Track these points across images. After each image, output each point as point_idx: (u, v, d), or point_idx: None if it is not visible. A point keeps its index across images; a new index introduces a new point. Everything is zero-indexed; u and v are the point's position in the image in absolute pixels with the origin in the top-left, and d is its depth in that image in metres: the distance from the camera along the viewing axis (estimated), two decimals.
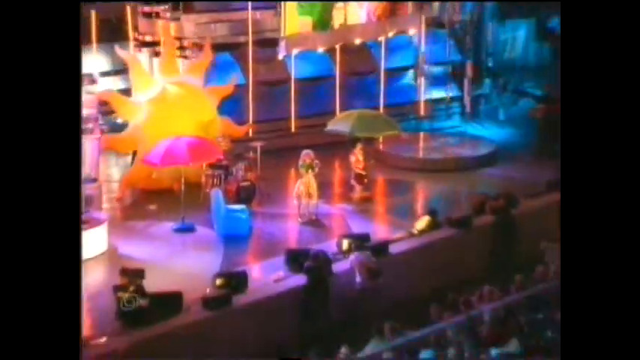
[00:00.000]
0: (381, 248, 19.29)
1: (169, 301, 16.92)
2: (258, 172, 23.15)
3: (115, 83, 25.07)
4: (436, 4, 28.58)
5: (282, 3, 25.47)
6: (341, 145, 23.58)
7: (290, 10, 25.64)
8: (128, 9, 25.59)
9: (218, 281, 17.61)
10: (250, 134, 24.51)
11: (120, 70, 24.98)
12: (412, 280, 18.79)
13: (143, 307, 16.66)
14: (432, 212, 20.84)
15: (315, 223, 21.50)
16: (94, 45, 24.34)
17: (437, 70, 29.03)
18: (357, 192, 22.95)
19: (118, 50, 23.86)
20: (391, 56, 27.86)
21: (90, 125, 21.72)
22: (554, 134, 25.91)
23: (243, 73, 25.63)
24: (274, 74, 26.25)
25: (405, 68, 28.42)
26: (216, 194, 21.08)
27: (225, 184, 21.92)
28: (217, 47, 24.81)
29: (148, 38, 25.15)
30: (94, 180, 21.65)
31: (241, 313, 17.30)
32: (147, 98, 22.73)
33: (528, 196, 22.01)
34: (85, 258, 19.36)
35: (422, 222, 20.61)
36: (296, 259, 18.53)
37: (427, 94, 28.55)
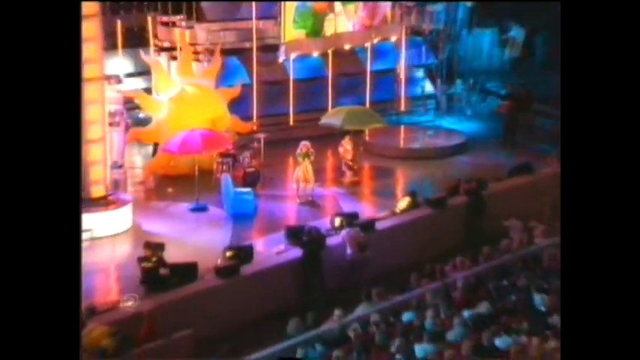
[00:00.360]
0: (368, 225, 19.27)
1: (186, 271, 16.93)
2: (261, 160, 23.19)
3: (138, 83, 25.00)
4: (413, 16, 28.50)
5: (283, 14, 25.39)
6: (333, 136, 23.53)
7: (289, 20, 25.68)
8: (149, 19, 25.51)
9: (228, 253, 17.61)
10: (255, 128, 24.43)
11: (142, 71, 24.96)
12: (395, 252, 18.75)
13: (164, 276, 16.67)
14: (411, 194, 20.81)
15: (311, 203, 21.47)
16: (120, 50, 24.22)
17: (415, 72, 28.94)
18: (347, 177, 22.96)
19: (143, 55, 23.87)
20: (376, 60, 27.77)
21: (117, 119, 21.76)
22: (516, 127, 26.11)
23: (248, 74, 25.54)
24: (275, 75, 26.17)
25: (388, 70, 28.30)
26: (226, 179, 21.08)
27: (233, 170, 21.92)
28: (226, 52, 24.78)
29: (166, 44, 25.11)
30: (121, 166, 21.67)
31: (248, 281, 17.30)
32: (167, 97, 22.82)
33: (494, 180, 21.99)
34: (113, 233, 19.48)
35: (403, 202, 20.60)
36: (295, 234, 18.49)
37: (406, 92, 28.47)
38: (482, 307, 14.97)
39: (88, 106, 19.16)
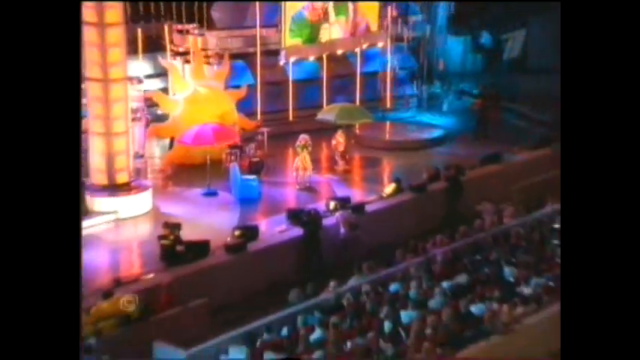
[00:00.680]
0: (358, 208, 19.23)
1: (199, 247, 16.86)
2: (265, 151, 23.09)
3: (156, 84, 24.86)
4: (398, 25, 28.40)
5: (283, 23, 25.26)
6: (328, 130, 23.39)
7: (288, 27, 25.52)
8: (165, 27, 25.35)
9: (236, 232, 17.56)
10: (259, 123, 24.33)
11: (160, 73, 24.84)
12: (383, 231, 18.71)
13: (180, 252, 16.62)
14: (396, 180, 20.77)
15: (309, 189, 21.36)
16: (140, 55, 24.11)
17: (399, 74, 28.83)
18: (340, 166, 22.88)
19: (161, 59, 23.80)
20: (365, 64, 27.67)
21: (138, 115, 21.67)
22: (486, 122, 26.07)
23: (253, 76, 25.43)
24: (276, 77, 26.03)
25: (375, 73, 28.20)
26: (234, 167, 20.99)
27: (240, 159, 21.75)
28: (233, 56, 24.61)
29: (181, 49, 24.96)
30: (142, 156, 21.61)
31: (254, 257, 17.27)
32: (183, 97, 22.69)
33: (468, 168, 21.96)
34: (136, 215, 19.41)
35: (389, 188, 20.55)
36: (294, 216, 18.45)
37: (392, 91, 28.38)
38: (459, 279, 14.99)
39: (114, 104, 19.10)
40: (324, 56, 26.57)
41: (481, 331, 13.16)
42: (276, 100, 25.82)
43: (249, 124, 23.89)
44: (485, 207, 19.15)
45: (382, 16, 27.58)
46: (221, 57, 24.18)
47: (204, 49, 24.43)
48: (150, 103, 23.12)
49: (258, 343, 13.19)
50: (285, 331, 13.62)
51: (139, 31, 24.25)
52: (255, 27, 25.31)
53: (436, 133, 25.96)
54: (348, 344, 12.88)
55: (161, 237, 17.00)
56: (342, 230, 18.24)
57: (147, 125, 22.35)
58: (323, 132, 23.50)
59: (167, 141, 23.55)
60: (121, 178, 19.42)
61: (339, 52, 26.98)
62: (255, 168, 21.78)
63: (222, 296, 15.78)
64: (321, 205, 19.37)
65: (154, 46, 25.30)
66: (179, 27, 25.33)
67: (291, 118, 26.12)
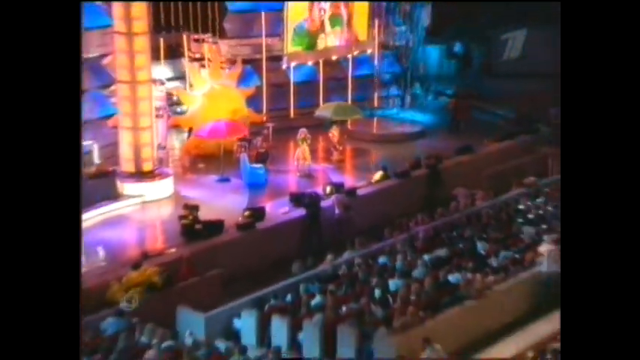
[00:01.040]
0: (351, 192, 19.19)
1: (215, 226, 16.87)
2: (270, 143, 22.96)
3: (176, 85, 24.71)
4: (385, 35, 28.27)
5: (285, 33, 25.11)
6: (324, 125, 23.36)
7: (290, 37, 25.39)
8: (184, 37, 25.25)
9: (246, 213, 17.53)
10: (265, 119, 24.27)
11: (178, 77, 24.77)
12: (372, 212, 18.67)
13: (198, 230, 16.60)
14: (383, 168, 20.71)
15: (308, 176, 21.24)
16: (162, 60, 24.05)
17: (385, 77, 28.72)
18: (335, 156, 22.78)
19: (185, 62, 23.82)
20: (356, 68, 27.57)
21: (161, 112, 21.58)
22: (460, 118, 26.01)
23: (260, 78, 25.32)
24: (280, 79, 25.90)
25: (365, 76, 28.07)
26: (244, 157, 20.90)
27: (249, 150, 21.70)
28: (242, 62, 24.46)
29: (197, 56, 24.87)
30: (164, 148, 21.52)
31: (261, 234, 17.24)
32: (200, 93, 22.55)
33: (445, 158, 21.91)
34: (159, 198, 19.34)
35: (377, 175, 20.51)
36: (296, 199, 18.43)
37: (379, 92, 28.28)
38: (439, 252, 15.00)
39: (140, 102, 19.05)
40: (321, 61, 26.45)
41: (457, 296, 13.18)
42: (279, 100, 25.70)
43: (258, 118, 23.86)
44: (460, 191, 19.13)
45: (370, 26, 27.46)
46: (232, 62, 24.10)
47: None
48: (170, 102, 23.08)
49: (266, 308, 13.20)
50: (289, 297, 13.64)
51: (161, 40, 24.18)
52: (261, 36, 25.18)
53: (417, 127, 25.87)
54: (344, 308, 12.90)
55: (181, 217, 16.98)
56: (337, 211, 18.19)
57: (168, 121, 22.25)
58: (320, 127, 23.45)
59: (185, 135, 23.48)
60: (147, 166, 19.37)
61: (334, 58, 26.85)
62: (261, 158, 21.70)
63: (234, 268, 15.72)
64: (318, 190, 19.33)
65: (173, 53, 25.24)
66: (195, 36, 25.21)
67: (292, 114, 25.98)
